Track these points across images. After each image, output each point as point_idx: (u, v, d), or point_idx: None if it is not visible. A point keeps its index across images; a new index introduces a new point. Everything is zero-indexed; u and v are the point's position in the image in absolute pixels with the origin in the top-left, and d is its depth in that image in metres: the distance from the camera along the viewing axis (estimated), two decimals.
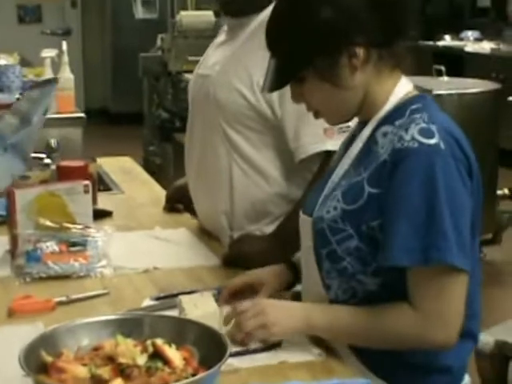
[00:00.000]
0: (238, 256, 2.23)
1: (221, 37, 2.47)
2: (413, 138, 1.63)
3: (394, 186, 1.63)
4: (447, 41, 8.99)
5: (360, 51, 1.68)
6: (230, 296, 1.94)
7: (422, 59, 7.29)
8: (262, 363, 1.68)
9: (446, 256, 1.59)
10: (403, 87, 1.76)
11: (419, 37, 7.98)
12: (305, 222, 1.82)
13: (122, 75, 9.65)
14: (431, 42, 8.79)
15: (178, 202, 2.76)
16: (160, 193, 2.98)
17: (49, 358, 1.46)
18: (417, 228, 1.60)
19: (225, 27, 2.45)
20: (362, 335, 1.70)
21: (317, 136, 2.17)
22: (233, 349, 1.68)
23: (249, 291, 1.94)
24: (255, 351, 1.72)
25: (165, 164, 6.53)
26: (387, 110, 1.73)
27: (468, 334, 1.73)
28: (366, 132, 1.75)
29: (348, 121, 1.83)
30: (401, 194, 1.63)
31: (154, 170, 6.37)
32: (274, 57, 1.76)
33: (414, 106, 1.71)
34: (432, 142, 1.62)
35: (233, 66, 2.30)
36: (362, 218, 1.67)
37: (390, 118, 1.72)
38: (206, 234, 2.49)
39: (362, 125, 1.78)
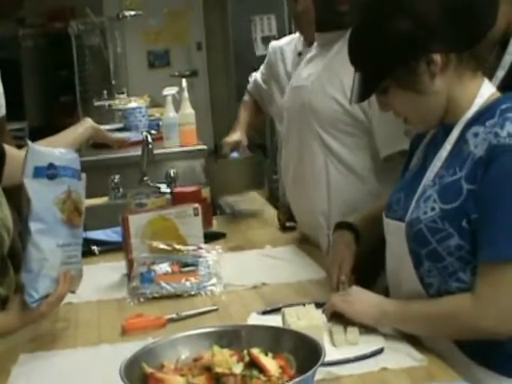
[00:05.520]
0: None
1: (311, 53, 2.53)
2: (509, 135, 1.60)
3: (490, 183, 1.60)
4: None
5: (437, 58, 1.67)
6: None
7: None
8: (363, 370, 1.62)
9: None
10: (487, 89, 1.73)
11: None
12: (394, 228, 1.78)
13: None
14: None
15: (289, 220, 2.75)
16: (273, 214, 2.96)
17: (149, 370, 1.45)
18: None
19: (314, 44, 2.52)
20: (427, 322, 1.69)
21: (400, 135, 2.16)
22: (334, 357, 1.65)
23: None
24: (356, 359, 1.66)
25: None
26: (474, 111, 1.71)
27: None
28: (454, 134, 1.72)
29: (435, 127, 1.79)
30: (497, 191, 1.59)
31: (277, 196, 6.34)
32: (357, 71, 1.79)
33: (503, 106, 1.68)
34: None
35: (326, 74, 2.37)
36: (463, 214, 1.63)
37: (479, 119, 1.69)
38: (314, 250, 2.45)
39: (445, 128, 1.75)
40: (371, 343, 1.72)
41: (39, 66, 10.35)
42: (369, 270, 2.16)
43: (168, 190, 3.02)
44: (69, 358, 1.82)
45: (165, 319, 1.96)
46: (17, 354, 1.84)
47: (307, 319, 1.77)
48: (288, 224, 2.76)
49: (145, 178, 3.40)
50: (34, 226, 1.86)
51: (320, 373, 1.50)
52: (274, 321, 1.84)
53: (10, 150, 2.26)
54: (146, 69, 10.45)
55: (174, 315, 1.98)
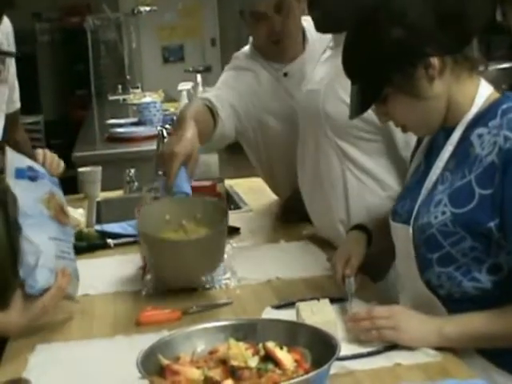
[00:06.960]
0: None
1: (326, 53, 2.45)
2: None
3: (509, 186, 1.58)
4: None
5: (434, 61, 1.66)
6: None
7: None
8: (377, 365, 1.62)
9: None
10: (485, 89, 1.72)
11: None
12: (401, 231, 1.78)
13: None
14: None
15: (293, 212, 2.75)
16: None
17: (165, 361, 1.45)
18: None
19: (330, 44, 2.42)
20: (498, 338, 1.63)
21: None
22: (348, 352, 1.64)
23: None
24: (370, 354, 1.66)
25: None
26: (475, 112, 1.70)
27: None
28: (456, 135, 1.71)
29: (435, 131, 1.77)
30: None
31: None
32: (354, 84, 1.76)
33: (504, 106, 1.67)
34: None
35: (339, 78, 2.22)
36: (475, 219, 1.62)
37: (481, 120, 1.68)
38: (327, 245, 2.44)
39: (445, 131, 1.74)
40: None
41: (55, 60, 10.38)
42: (378, 266, 2.15)
43: None
44: (84, 348, 1.83)
45: (179, 312, 1.96)
46: (33, 344, 1.84)
47: (321, 314, 1.76)
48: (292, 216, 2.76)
49: (159, 173, 3.39)
50: (23, 221, 1.89)
51: (334, 367, 1.48)
52: (288, 315, 1.83)
53: None
54: (160, 64, 10.47)
55: (188, 308, 1.98)
